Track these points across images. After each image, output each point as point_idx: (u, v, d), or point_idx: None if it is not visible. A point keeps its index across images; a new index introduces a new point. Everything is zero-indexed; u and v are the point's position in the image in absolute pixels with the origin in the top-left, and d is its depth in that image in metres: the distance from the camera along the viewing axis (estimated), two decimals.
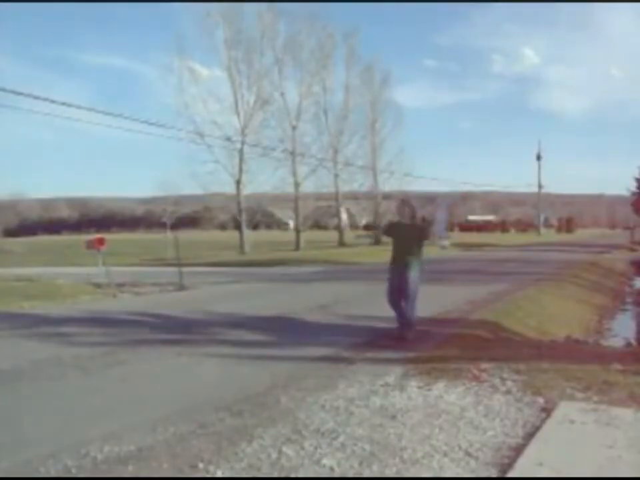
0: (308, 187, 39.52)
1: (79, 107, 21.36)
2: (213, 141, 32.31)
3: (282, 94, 36.20)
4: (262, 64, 34.37)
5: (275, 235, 66.85)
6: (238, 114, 33.34)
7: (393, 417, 5.09)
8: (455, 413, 5.15)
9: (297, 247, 38.52)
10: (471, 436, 4.62)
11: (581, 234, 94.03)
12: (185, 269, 19.54)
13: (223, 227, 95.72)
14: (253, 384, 6.32)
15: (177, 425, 4.99)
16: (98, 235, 17.38)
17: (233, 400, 5.71)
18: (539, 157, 76.00)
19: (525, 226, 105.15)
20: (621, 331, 13.39)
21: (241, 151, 33.24)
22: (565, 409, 5.10)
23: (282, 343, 8.64)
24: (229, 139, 32.24)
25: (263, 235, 63.55)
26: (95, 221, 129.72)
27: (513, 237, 73.83)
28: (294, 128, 36.30)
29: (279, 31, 34.75)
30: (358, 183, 44.37)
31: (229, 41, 32.75)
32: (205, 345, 8.58)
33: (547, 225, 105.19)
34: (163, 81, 67.70)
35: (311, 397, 5.73)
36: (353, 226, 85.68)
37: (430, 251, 35.44)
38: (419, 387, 5.98)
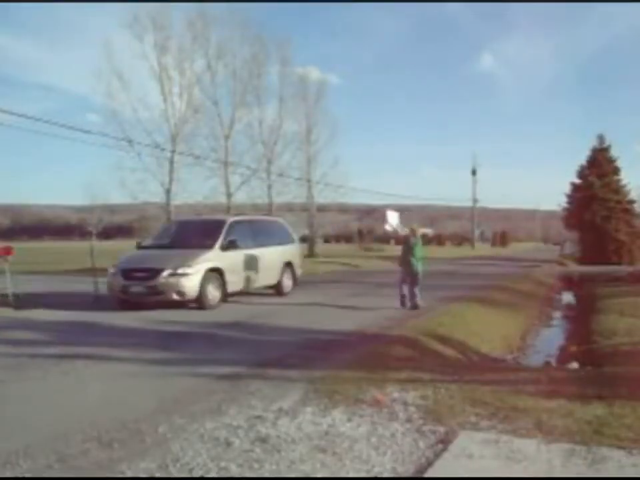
0: (240, 197, 38.63)
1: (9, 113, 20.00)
2: (143, 149, 31.19)
3: (215, 102, 35.39)
4: (193, 71, 33.44)
5: None
6: (168, 122, 32.36)
7: (274, 450, 4.58)
8: (344, 445, 4.64)
9: None
10: (355, 473, 4.14)
11: (514, 248, 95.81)
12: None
13: None
14: (135, 408, 5.78)
15: (34, 459, 4.43)
16: (1, 244, 16.28)
17: (107, 427, 5.15)
18: (474, 172, 77.05)
19: (460, 239, 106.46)
20: (543, 348, 13.22)
21: (171, 160, 32.25)
22: (464, 441, 4.66)
23: (182, 361, 8.10)
24: (158, 146, 31.17)
25: None
26: (28, 229, 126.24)
27: (447, 250, 74.37)
28: (227, 137, 35.50)
29: (210, 39, 33.87)
30: (292, 194, 43.55)
31: (159, 46, 31.78)
32: (96, 362, 7.98)
33: (484, 238, 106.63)
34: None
35: (193, 425, 5.20)
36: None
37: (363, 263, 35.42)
38: (313, 414, 5.47)
